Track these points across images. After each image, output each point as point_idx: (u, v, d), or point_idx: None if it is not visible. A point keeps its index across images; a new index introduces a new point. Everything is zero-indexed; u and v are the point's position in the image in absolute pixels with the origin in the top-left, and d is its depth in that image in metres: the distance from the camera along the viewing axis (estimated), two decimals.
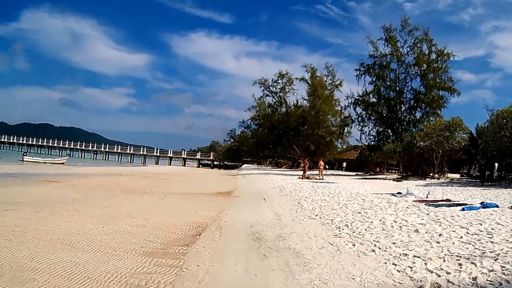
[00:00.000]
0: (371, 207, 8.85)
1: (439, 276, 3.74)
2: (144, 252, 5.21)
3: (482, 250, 4.57)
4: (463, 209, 8.49)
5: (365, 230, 6.12)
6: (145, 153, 71.96)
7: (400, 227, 6.34)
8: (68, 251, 5.15)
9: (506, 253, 4.32)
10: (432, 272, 3.88)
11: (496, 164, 21.06)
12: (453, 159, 25.47)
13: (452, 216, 7.38)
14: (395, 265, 4.22)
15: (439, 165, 25.09)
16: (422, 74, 33.32)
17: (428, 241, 5.35)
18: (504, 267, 3.81)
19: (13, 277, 3.96)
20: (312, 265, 4.37)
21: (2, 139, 80.00)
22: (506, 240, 5.05)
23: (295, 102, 51.09)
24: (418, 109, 34.18)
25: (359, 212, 7.88)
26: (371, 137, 35.64)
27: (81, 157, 72.32)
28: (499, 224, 6.13)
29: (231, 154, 67.59)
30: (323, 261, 4.47)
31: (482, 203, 9.61)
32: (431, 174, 25.17)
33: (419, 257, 4.51)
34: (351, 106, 36.53)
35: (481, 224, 6.16)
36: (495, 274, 3.65)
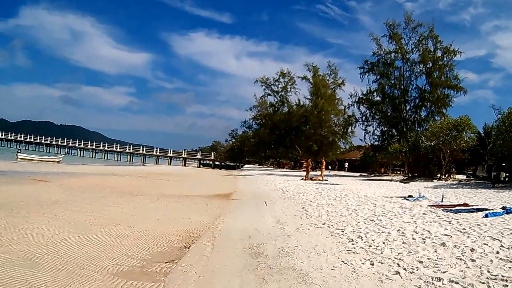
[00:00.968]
0: (384, 213, 7.93)
1: None
2: (117, 272, 4.30)
3: None
4: (486, 216, 7.61)
5: (383, 243, 5.20)
6: (144, 152, 71.08)
7: (423, 239, 5.42)
8: (27, 268, 4.24)
9: None
10: None
11: (504, 165, 20.23)
12: (458, 159, 24.49)
13: (478, 225, 6.47)
14: None
15: (447, 165, 24.17)
16: (427, 72, 32.43)
17: (460, 259, 4.44)
18: None
19: None
20: None
21: (0, 136, 79.27)
22: None
23: (297, 101, 50.24)
24: (423, 108, 33.33)
25: (372, 220, 6.95)
26: (375, 136, 34.79)
27: (80, 155, 71.60)
28: None
29: (233, 154, 66.65)
30: None
31: (504, 208, 8.74)
32: (438, 175, 24.24)
33: (457, 283, 3.60)
34: (355, 105, 35.70)
35: None
36: None
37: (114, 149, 73.70)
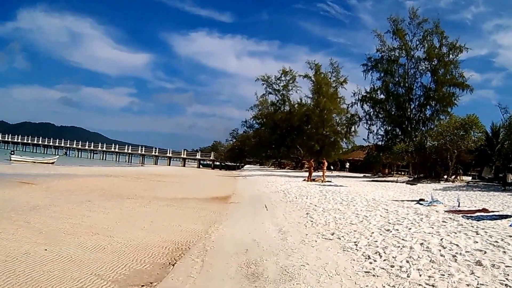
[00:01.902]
0: (399, 220, 7.03)
1: None
2: None
3: None
4: None
5: (407, 261, 4.29)
6: (143, 152, 70.19)
7: (454, 256, 4.52)
8: None
9: None
10: None
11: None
12: (463, 160, 23.54)
13: (510, 236, 5.57)
14: None
15: (454, 166, 23.23)
16: (432, 69, 31.46)
17: (506, 284, 3.56)
18: None
19: None
20: None
21: None
22: None
23: (299, 100, 49.21)
24: (428, 107, 32.33)
25: (388, 230, 6.04)
26: (379, 136, 33.80)
27: (78, 156, 70.73)
28: None
29: (233, 155, 65.69)
30: None
31: None
32: (445, 177, 23.30)
33: None
34: (358, 103, 34.64)
35: None
36: None
37: (113, 149, 72.76)
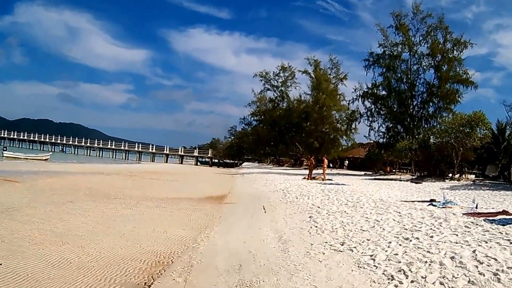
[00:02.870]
0: (415, 226, 6.16)
1: None
2: None
3: None
4: None
5: (441, 283, 3.43)
6: (140, 149, 69.11)
7: (495, 274, 3.66)
8: None
9: None
10: None
11: None
12: (467, 158, 22.71)
13: None
14: None
15: (459, 164, 22.41)
16: (436, 66, 30.58)
17: None
18: None
19: None
20: None
21: None
22: None
23: (298, 96, 48.18)
24: (431, 104, 31.48)
25: (407, 239, 5.16)
26: (380, 133, 32.93)
27: (74, 153, 69.68)
28: None
29: (231, 152, 64.69)
30: None
31: None
32: (450, 175, 22.48)
33: None
34: (360, 99, 33.68)
35: None
36: None
37: (109, 146, 71.65)
